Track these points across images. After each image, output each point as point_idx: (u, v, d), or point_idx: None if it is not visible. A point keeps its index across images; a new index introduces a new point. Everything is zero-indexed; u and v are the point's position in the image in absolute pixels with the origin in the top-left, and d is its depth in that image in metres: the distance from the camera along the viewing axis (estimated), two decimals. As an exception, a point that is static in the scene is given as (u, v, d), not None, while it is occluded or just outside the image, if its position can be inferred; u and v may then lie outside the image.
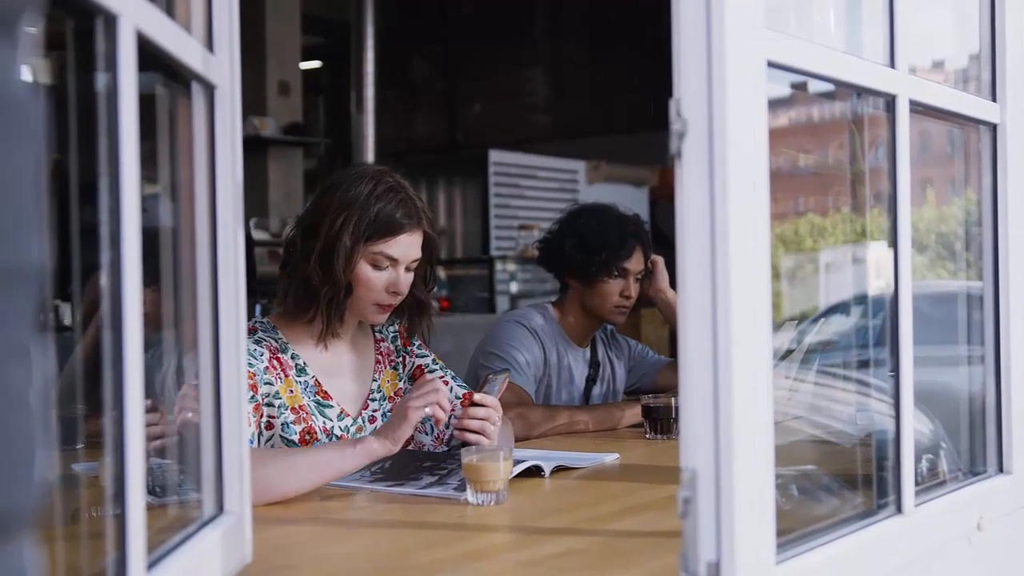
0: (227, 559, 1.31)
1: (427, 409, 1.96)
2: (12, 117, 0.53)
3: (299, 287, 2.19)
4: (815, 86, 1.50)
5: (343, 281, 2.16)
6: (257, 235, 6.96)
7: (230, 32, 1.37)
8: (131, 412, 0.99)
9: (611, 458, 2.32)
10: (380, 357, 2.37)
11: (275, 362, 2.16)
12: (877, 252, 1.82)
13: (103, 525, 1.02)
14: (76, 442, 1.27)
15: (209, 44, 1.32)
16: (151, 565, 1.05)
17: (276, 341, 2.20)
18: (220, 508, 1.34)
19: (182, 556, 1.16)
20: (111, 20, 0.97)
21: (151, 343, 1.08)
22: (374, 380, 2.33)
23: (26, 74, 0.56)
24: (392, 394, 2.36)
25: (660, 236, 3.12)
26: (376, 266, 2.18)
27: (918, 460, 1.56)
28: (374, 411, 2.31)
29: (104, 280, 0.98)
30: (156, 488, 1.31)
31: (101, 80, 0.99)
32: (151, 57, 1.09)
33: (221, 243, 1.34)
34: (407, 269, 2.22)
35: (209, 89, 1.32)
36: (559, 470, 2.15)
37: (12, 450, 0.54)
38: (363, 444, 1.95)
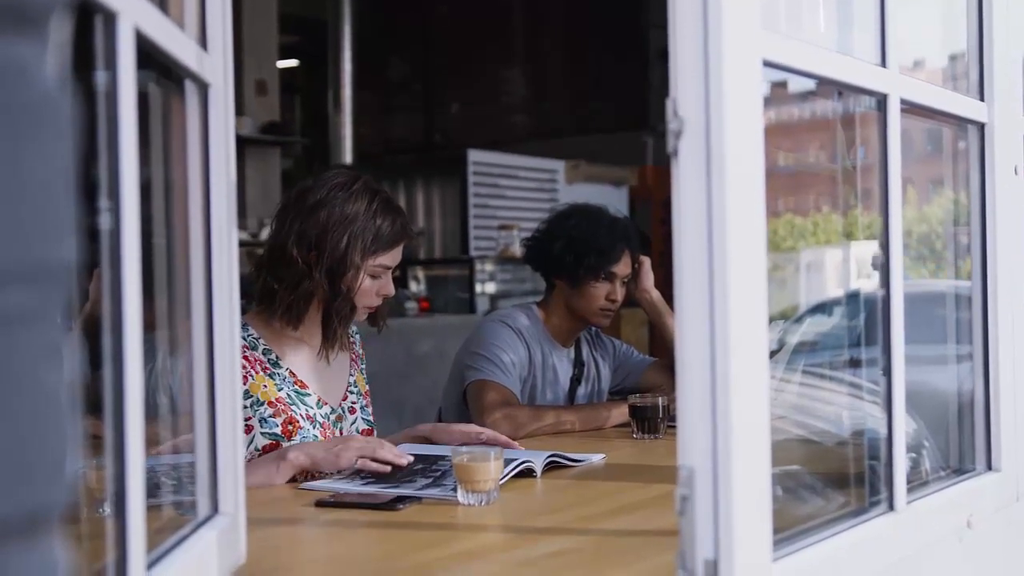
0: (223, 560, 1.30)
1: (358, 463, 2.03)
2: (45, 114, 0.52)
3: (302, 300, 2.21)
4: (795, 85, 1.50)
5: (353, 296, 2.23)
6: (235, 235, 6.90)
7: (223, 31, 1.36)
8: (131, 413, 0.98)
9: (597, 458, 2.32)
10: (353, 355, 2.43)
11: (243, 360, 2.16)
12: (859, 251, 1.82)
13: (95, 525, 1.01)
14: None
15: (203, 42, 1.32)
16: (150, 565, 1.05)
17: (246, 339, 2.22)
18: (215, 509, 1.33)
19: (180, 556, 1.15)
20: (110, 18, 0.97)
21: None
22: (351, 375, 2.39)
23: (56, 71, 0.55)
24: (364, 391, 2.43)
25: (639, 235, 3.12)
26: (374, 276, 2.25)
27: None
28: (352, 403, 2.37)
29: (104, 279, 0.97)
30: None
31: (100, 78, 0.98)
32: (145, 55, 1.08)
33: (215, 243, 1.33)
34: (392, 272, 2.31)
35: (203, 88, 1.31)
36: (551, 469, 2.15)
37: (46, 448, 0.53)
38: (286, 461, 2.03)
